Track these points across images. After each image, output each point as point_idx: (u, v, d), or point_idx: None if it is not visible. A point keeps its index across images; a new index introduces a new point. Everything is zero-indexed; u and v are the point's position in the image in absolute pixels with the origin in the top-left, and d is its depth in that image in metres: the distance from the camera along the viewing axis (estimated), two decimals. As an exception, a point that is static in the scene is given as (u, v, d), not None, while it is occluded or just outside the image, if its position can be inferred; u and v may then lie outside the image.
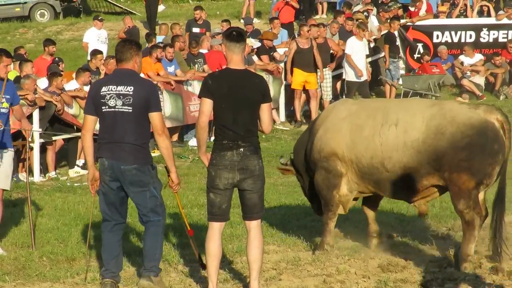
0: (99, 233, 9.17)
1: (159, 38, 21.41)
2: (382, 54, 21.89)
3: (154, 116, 7.75)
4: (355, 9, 24.10)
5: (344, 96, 21.29)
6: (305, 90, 20.03)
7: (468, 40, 22.98)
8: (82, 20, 31.45)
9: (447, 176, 8.43)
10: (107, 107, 7.72)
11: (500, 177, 8.52)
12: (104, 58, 18.10)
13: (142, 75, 15.95)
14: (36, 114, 14.79)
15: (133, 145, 7.71)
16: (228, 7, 32.62)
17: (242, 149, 7.45)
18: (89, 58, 19.59)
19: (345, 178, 9.02)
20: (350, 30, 21.67)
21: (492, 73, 22.25)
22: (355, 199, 9.34)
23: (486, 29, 23.05)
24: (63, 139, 15.98)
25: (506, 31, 22.92)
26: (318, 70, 19.85)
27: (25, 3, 31.28)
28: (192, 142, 17.72)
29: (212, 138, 9.56)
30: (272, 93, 15.91)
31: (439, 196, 9.10)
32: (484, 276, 8.22)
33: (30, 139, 11.51)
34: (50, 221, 11.16)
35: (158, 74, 17.58)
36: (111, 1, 34.25)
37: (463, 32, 23.17)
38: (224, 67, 7.84)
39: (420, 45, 23.08)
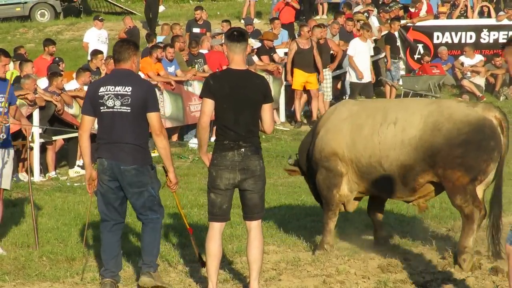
0: (98, 233, 9.18)
1: (159, 38, 21.42)
2: (383, 55, 21.90)
3: (152, 116, 7.75)
4: (356, 9, 24.10)
5: (345, 97, 21.35)
6: (306, 91, 20.03)
7: (468, 41, 22.99)
8: (83, 20, 31.46)
9: (441, 173, 8.47)
10: (105, 107, 7.72)
11: (497, 178, 8.54)
12: (104, 58, 18.11)
13: (142, 75, 16.01)
14: (36, 114, 14.79)
15: (132, 145, 7.71)
16: (229, 7, 32.62)
17: (243, 149, 7.45)
18: (89, 58, 19.60)
19: (346, 178, 9.05)
20: (350, 30, 21.70)
21: (492, 74, 22.26)
22: (358, 199, 9.37)
23: (486, 30, 23.07)
24: (63, 139, 15.99)
25: (506, 32, 22.92)
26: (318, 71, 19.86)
27: (26, 3, 31.28)
28: (192, 142, 17.73)
29: (213, 139, 9.58)
30: (272, 93, 15.89)
31: (438, 196, 9.12)
32: (483, 276, 8.22)
33: (30, 139, 11.51)
34: (50, 221, 11.16)
35: (158, 74, 17.58)
36: (111, 1, 34.26)
37: (464, 33, 23.18)
38: (224, 67, 7.84)
39: (420, 46, 23.09)
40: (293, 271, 8.59)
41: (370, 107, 9.18)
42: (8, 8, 31.28)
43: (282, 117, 20.55)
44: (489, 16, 23.69)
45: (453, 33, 23.18)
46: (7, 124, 9.40)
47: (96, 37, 22.55)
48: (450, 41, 23.23)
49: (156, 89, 16.07)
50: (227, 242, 9.56)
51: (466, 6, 23.86)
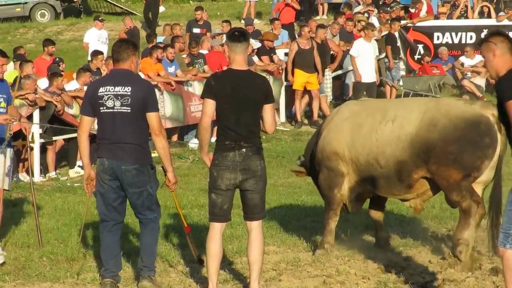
0: (97, 233, 9.19)
1: (159, 39, 21.42)
2: (383, 55, 21.90)
3: (151, 116, 7.76)
4: (356, 10, 24.11)
5: (346, 97, 21.37)
6: (306, 91, 20.04)
7: (468, 41, 22.98)
8: (83, 21, 31.46)
9: (434, 170, 8.50)
10: (105, 108, 7.72)
11: (496, 177, 8.55)
12: (104, 59, 18.11)
13: (142, 75, 16.01)
14: (36, 114, 14.79)
15: (133, 145, 7.72)
16: (229, 7, 32.62)
17: (244, 150, 7.44)
18: (89, 58, 19.60)
19: (347, 178, 9.09)
20: (350, 31, 21.70)
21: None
22: (361, 201, 9.39)
23: (486, 30, 23.03)
24: (64, 139, 15.99)
25: (506, 32, 22.89)
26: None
27: (26, 3, 31.28)
28: (193, 142, 17.72)
29: (213, 139, 9.58)
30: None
31: (438, 197, 9.12)
32: (483, 277, 8.22)
33: (30, 139, 11.52)
34: (50, 221, 11.16)
35: (158, 75, 17.58)
36: (111, 2, 34.26)
37: (464, 33, 23.19)
38: (225, 67, 7.84)
39: (420, 46, 23.10)
40: (293, 271, 8.59)
41: (371, 106, 9.26)
42: (8, 8, 31.28)
43: (283, 117, 20.55)
44: (489, 16, 23.69)
45: (453, 34, 23.18)
46: (15, 122, 9.42)
47: (96, 38, 22.55)
48: (450, 42, 23.24)
49: (156, 90, 16.10)
50: (227, 242, 9.56)
51: (466, 6, 23.86)
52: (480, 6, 23.98)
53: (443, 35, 23.22)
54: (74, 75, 17.18)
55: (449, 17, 23.81)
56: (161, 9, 29.73)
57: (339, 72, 21.56)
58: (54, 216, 11.57)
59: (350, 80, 21.12)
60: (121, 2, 34.88)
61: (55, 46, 19.96)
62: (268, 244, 9.39)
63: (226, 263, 8.72)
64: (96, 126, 7.95)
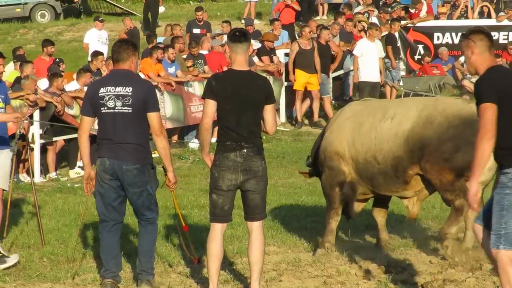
0: (96, 234, 9.18)
1: (159, 39, 21.42)
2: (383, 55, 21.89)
3: (152, 116, 7.76)
4: (356, 10, 24.11)
5: (346, 98, 21.38)
6: (307, 91, 20.05)
7: (468, 41, 22.94)
8: (83, 21, 31.46)
9: (428, 168, 8.53)
10: (106, 108, 7.72)
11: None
12: (104, 59, 18.11)
13: (142, 76, 16.01)
14: (36, 115, 14.79)
15: (135, 145, 7.72)
16: (229, 8, 32.62)
17: (245, 150, 7.44)
18: (89, 59, 19.60)
19: (348, 177, 9.10)
20: (350, 31, 21.70)
21: (512, 69, 22.24)
22: (362, 201, 9.40)
23: (486, 30, 23.03)
24: (64, 140, 15.99)
25: (506, 33, 22.93)
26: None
27: (26, 3, 31.28)
28: (193, 143, 17.72)
29: (213, 139, 9.58)
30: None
31: (438, 197, 9.12)
32: (484, 277, 8.22)
33: (30, 140, 11.52)
34: (51, 222, 11.16)
35: (158, 75, 17.58)
36: (111, 2, 34.27)
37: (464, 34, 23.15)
38: (225, 68, 7.84)
39: (420, 47, 23.10)
40: (293, 271, 8.59)
41: (372, 106, 9.33)
42: (8, 9, 31.29)
43: (283, 117, 20.55)
44: (489, 16, 23.69)
45: (453, 34, 23.17)
46: (26, 121, 9.46)
47: (97, 38, 22.55)
48: (450, 42, 23.24)
49: (157, 90, 16.08)
50: (228, 242, 9.56)
51: (466, 6, 23.86)
52: (480, 6, 23.98)
53: (443, 35, 23.22)
54: (74, 76, 17.19)
55: (449, 17, 23.80)
56: (161, 9, 29.74)
57: (340, 72, 21.56)
58: (55, 217, 11.57)
59: (350, 80, 21.12)
60: (121, 2, 34.90)
61: (54, 47, 19.95)
62: (269, 245, 9.39)
63: (226, 264, 8.71)
64: (96, 127, 7.95)
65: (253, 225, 7.58)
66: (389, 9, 23.53)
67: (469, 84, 21.73)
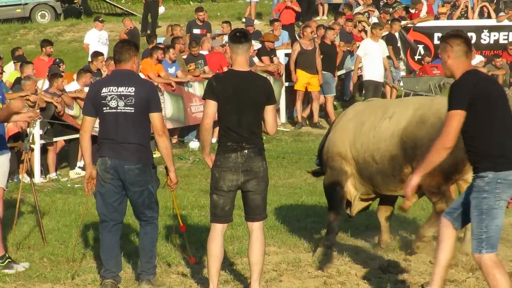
0: (96, 234, 9.18)
1: (159, 40, 21.42)
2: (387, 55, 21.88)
3: (154, 117, 7.77)
4: (356, 10, 24.11)
5: (346, 98, 21.38)
6: (307, 93, 20.06)
7: (468, 41, 22.95)
8: (83, 21, 31.48)
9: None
10: (108, 108, 7.73)
11: None
12: (105, 60, 18.11)
13: (142, 76, 16.01)
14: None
15: (137, 145, 7.73)
16: (229, 8, 32.64)
17: (246, 151, 7.44)
18: (90, 59, 19.60)
19: (351, 178, 9.12)
20: (350, 31, 21.70)
21: (492, 75, 22.24)
22: (366, 201, 9.42)
23: (486, 30, 23.06)
24: (64, 140, 15.99)
25: (506, 33, 22.92)
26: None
27: (26, 4, 31.30)
28: (192, 143, 17.72)
29: (214, 140, 9.59)
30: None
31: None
32: (484, 277, 8.20)
33: (31, 140, 11.51)
34: (51, 222, 11.16)
35: (158, 76, 17.59)
36: (111, 2, 34.28)
37: (464, 34, 23.15)
38: (225, 68, 7.84)
39: (421, 47, 23.09)
40: (293, 272, 8.59)
41: (374, 105, 9.38)
42: (8, 9, 31.31)
43: (283, 118, 20.55)
44: (489, 16, 23.69)
45: (453, 34, 23.14)
46: (39, 120, 9.45)
47: (97, 38, 22.56)
48: (450, 42, 23.20)
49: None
50: (228, 243, 9.56)
51: (466, 7, 23.86)
52: (480, 6, 23.98)
53: (444, 36, 23.20)
54: (75, 76, 17.18)
55: (449, 17, 23.80)
56: (161, 9, 29.75)
57: (340, 72, 21.55)
58: (55, 217, 11.57)
59: (350, 80, 21.13)
60: (121, 3, 34.92)
61: (54, 47, 19.95)
62: (269, 245, 9.39)
63: (227, 264, 8.72)
64: (97, 127, 7.96)
65: (253, 226, 7.58)
66: (391, 9, 23.53)
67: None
